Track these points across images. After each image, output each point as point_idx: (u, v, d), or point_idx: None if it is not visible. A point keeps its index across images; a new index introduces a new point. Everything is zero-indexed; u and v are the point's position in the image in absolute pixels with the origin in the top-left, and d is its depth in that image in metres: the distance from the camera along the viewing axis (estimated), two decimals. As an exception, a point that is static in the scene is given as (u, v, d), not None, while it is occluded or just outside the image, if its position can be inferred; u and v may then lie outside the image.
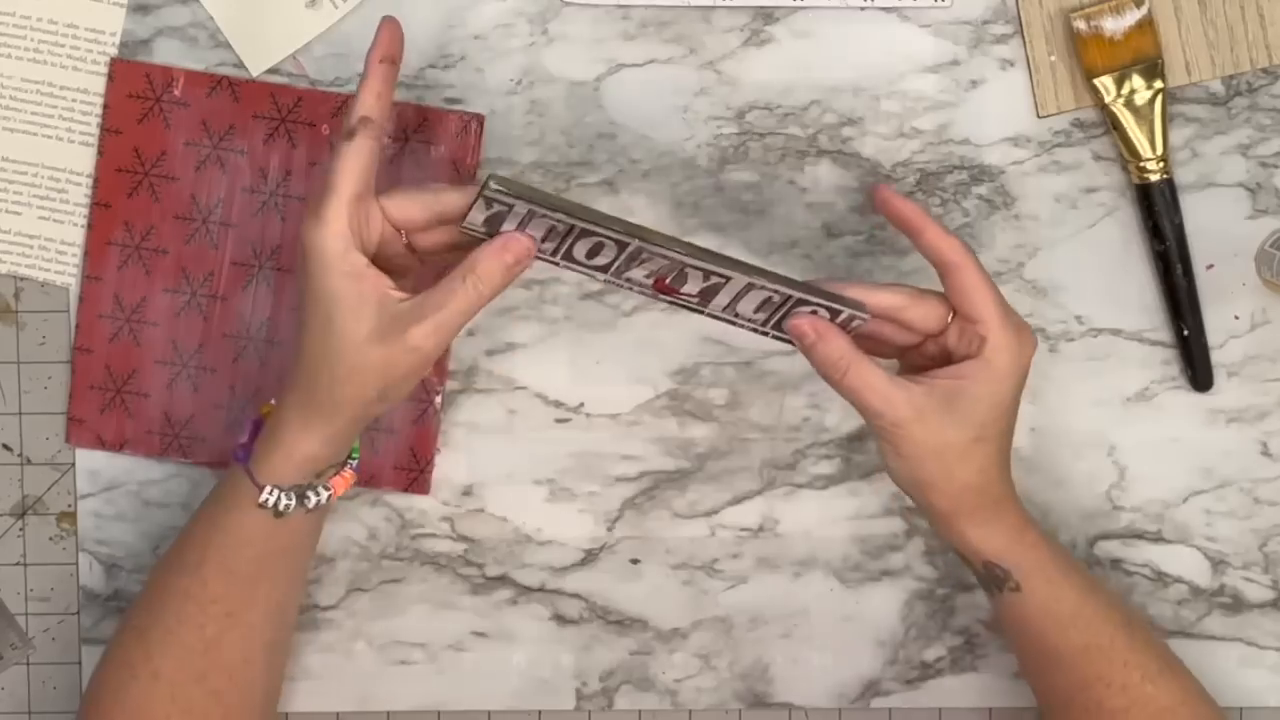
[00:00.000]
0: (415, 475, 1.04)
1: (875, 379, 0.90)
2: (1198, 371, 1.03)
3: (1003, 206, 1.03)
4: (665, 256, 0.89)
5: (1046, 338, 1.03)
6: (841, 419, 1.04)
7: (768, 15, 1.02)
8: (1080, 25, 1.01)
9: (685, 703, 1.06)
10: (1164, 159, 1.01)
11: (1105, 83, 1.01)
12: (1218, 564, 1.05)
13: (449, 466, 1.04)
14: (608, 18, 1.02)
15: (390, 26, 0.91)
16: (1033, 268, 1.03)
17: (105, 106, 1.03)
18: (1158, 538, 1.05)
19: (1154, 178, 1.01)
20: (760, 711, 1.06)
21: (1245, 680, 1.05)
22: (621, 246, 0.89)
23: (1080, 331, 1.04)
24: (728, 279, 0.90)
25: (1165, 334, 1.03)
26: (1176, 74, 1.02)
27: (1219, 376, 1.03)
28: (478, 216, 0.89)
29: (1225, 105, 1.03)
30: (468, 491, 1.05)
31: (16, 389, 1.04)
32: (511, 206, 0.88)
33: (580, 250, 0.90)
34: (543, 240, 0.90)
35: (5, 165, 1.03)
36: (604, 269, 0.91)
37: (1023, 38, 1.02)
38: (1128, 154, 1.01)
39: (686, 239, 0.86)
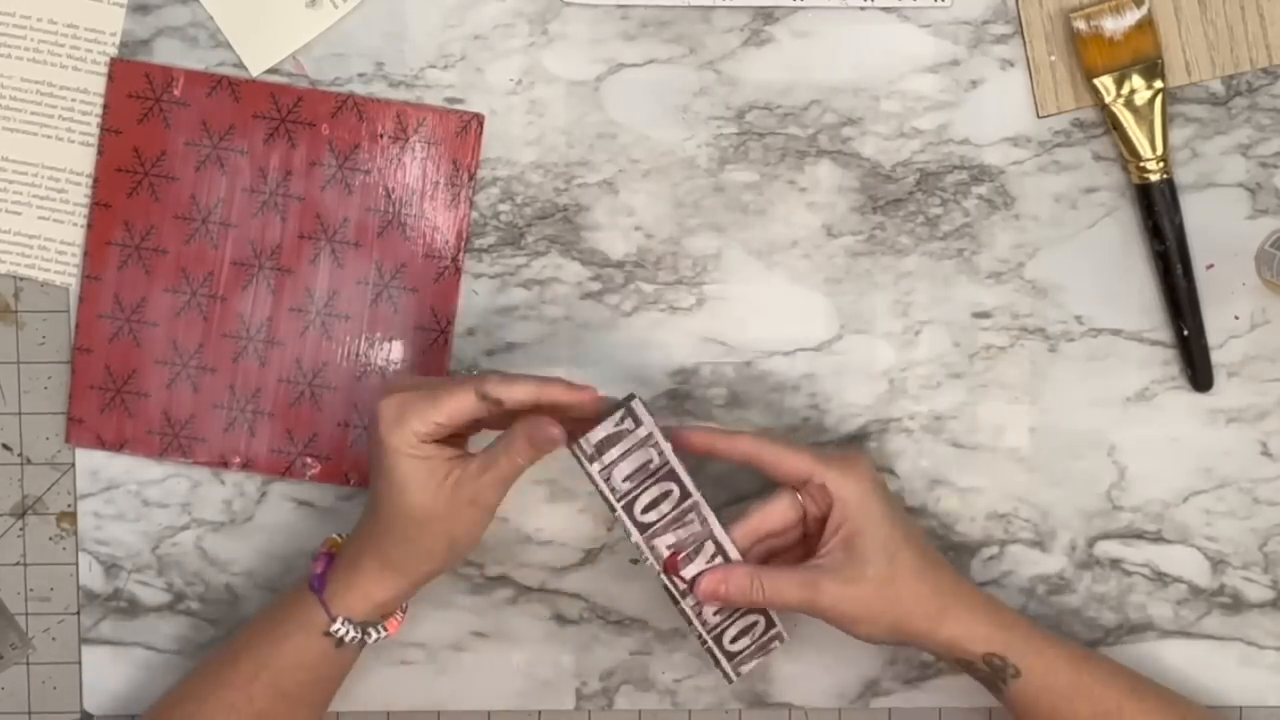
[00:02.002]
0: (415, 475, 1.04)
1: (787, 582, 0.95)
2: (1198, 371, 1.03)
3: (1003, 206, 1.03)
4: (705, 522, 0.96)
5: (1046, 337, 1.03)
6: (841, 419, 1.04)
7: (768, 15, 1.02)
8: (1080, 25, 1.01)
9: (685, 703, 1.06)
10: (1164, 159, 1.01)
11: (1105, 83, 1.01)
12: (1217, 564, 1.05)
13: (449, 466, 1.04)
14: (608, 18, 1.02)
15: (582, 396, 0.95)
16: (1033, 268, 1.03)
17: (105, 106, 1.03)
18: (1158, 537, 1.05)
19: (1154, 178, 1.01)
20: (760, 711, 1.06)
21: (1245, 680, 1.05)
22: (685, 498, 0.96)
23: (1080, 331, 1.04)
24: (731, 559, 0.97)
25: (1165, 334, 1.03)
26: (1176, 74, 1.02)
27: (1219, 376, 1.03)
28: (600, 433, 0.95)
29: (1225, 105, 1.03)
30: (468, 491, 1.05)
31: (16, 389, 1.04)
32: (639, 424, 0.95)
33: (646, 498, 0.96)
34: (625, 478, 0.96)
35: (5, 165, 1.03)
36: (647, 527, 0.96)
37: (1023, 38, 1.02)
38: (1128, 154, 1.01)
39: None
